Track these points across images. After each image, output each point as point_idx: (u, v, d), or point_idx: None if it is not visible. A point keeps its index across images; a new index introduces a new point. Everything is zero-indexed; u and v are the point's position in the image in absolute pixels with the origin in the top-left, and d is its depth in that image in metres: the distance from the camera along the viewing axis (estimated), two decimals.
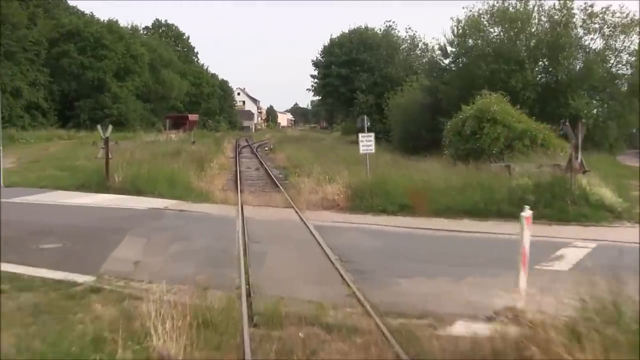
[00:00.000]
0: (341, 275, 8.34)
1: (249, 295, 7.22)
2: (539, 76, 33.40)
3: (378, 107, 50.87)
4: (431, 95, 35.72)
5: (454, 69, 34.97)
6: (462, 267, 9.01)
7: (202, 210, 14.88)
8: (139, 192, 16.81)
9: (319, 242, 10.65)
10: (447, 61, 37.34)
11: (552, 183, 13.93)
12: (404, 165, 21.86)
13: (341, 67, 52.66)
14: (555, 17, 32.80)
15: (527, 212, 6.74)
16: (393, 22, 53.40)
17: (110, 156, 17.84)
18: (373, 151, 18.64)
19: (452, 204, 14.00)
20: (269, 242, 10.84)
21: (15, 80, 48.09)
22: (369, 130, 19.23)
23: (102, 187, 17.31)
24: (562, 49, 31.72)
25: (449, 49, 36.26)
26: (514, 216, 8.17)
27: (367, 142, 17.98)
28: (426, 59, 51.64)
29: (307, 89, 58.58)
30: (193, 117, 75.05)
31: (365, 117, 19.04)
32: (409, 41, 52.57)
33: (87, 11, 63.19)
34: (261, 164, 32.21)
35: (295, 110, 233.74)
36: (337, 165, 20.26)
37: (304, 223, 12.73)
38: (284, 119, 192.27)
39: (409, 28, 70.13)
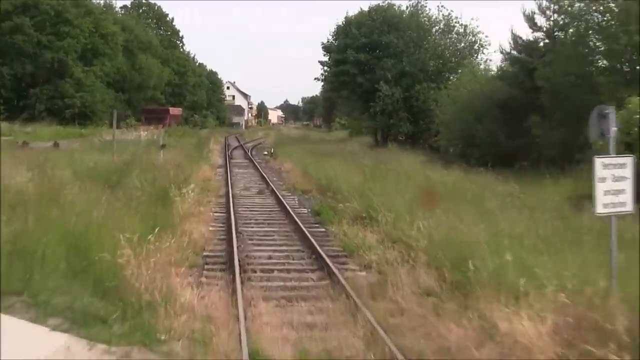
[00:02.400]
0: None
1: None
2: None
3: (406, 103, 40.46)
4: (515, 85, 25.28)
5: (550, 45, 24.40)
6: None
7: None
8: None
9: None
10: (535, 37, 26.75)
11: None
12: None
13: (359, 51, 42.10)
14: None
15: None
16: None
17: None
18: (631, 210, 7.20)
19: None
20: None
21: None
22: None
23: None
24: None
25: (539, 20, 25.77)
26: None
27: (617, 185, 6.66)
28: (464, 43, 41.38)
29: (316, 79, 46.62)
30: (175, 110, 64.26)
31: (612, 116, 7.39)
32: (443, 22, 42.22)
33: None
34: (264, 181, 21.69)
35: (286, 107, 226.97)
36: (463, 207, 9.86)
37: None
38: (274, 116, 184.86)
39: (442, 6, 58.64)
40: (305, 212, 15.03)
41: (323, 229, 12.45)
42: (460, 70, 40.61)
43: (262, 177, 22.93)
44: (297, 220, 12.81)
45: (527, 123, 22.02)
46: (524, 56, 26.21)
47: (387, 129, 41.39)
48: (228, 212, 14.09)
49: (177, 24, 77.10)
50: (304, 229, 11.73)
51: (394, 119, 40.22)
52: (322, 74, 46.17)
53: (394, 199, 11.86)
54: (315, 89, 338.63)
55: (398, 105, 40.25)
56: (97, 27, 52.14)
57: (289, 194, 18.46)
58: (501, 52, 28.81)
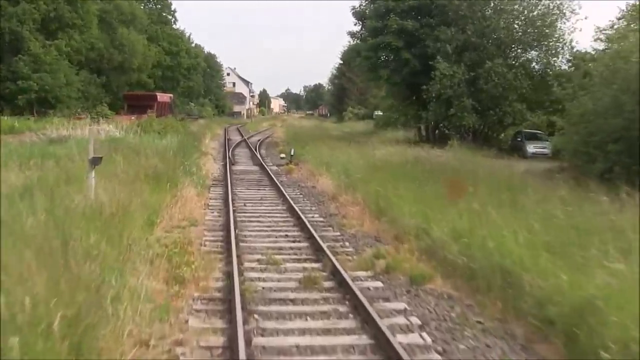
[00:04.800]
0: None
1: None
2: None
3: (470, 87, 29.66)
4: None
5: None
6: None
7: None
8: None
9: None
10: None
11: None
12: None
13: (406, 16, 31.17)
14: None
15: None
16: None
17: None
18: None
19: None
20: None
21: None
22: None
23: None
24: None
25: None
26: None
27: None
28: (541, 8, 30.49)
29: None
30: (164, 97, 53.45)
31: None
32: None
33: None
34: (307, 236, 10.79)
35: (287, 96, 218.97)
36: None
37: None
38: (276, 105, 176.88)
39: None
40: None
41: None
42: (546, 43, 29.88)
43: (298, 220, 12.01)
44: None
45: None
46: None
47: (445, 121, 30.52)
48: None
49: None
50: None
51: (455, 108, 29.38)
52: (353, 48, 34.85)
53: None
54: (317, 77, 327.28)
55: (460, 89, 29.38)
56: None
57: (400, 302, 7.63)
58: None
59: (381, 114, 73.76)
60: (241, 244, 9.66)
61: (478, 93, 29.74)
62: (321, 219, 12.10)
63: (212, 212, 12.56)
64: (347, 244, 9.98)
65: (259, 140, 39.47)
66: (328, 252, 8.79)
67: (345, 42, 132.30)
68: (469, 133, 31.48)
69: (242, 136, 43.25)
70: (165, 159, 14.59)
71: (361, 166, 16.83)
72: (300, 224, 11.25)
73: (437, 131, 34.03)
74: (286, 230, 10.87)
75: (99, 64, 47.01)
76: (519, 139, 30.44)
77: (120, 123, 29.05)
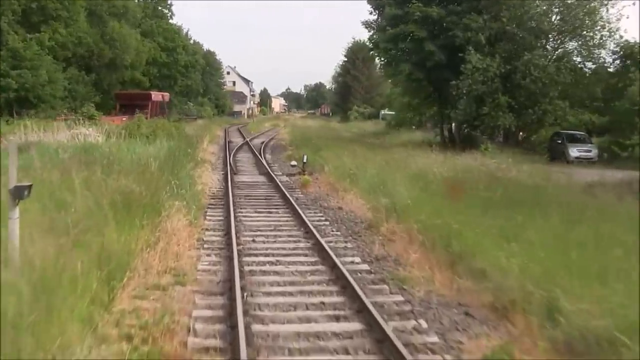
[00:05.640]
0: None
1: None
2: None
3: (505, 82, 25.98)
4: None
5: None
6: None
7: None
8: None
9: None
10: None
11: None
12: None
13: (429, 3, 27.42)
14: None
15: None
16: None
17: None
18: None
19: None
20: None
21: None
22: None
23: None
24: None
25: None
26: None
27: None
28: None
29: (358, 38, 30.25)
30: (159, 96, 49.70)
31: None
32: None
33: None
34: (351, 300, 7.15)
35: (288, 95, 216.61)
36: None
37: None
38: (276, 104, 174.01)
39: None
40: None
41: None
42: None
43: (333, 270, 8.33)
44: None
45: None
46: None
47: (477, 120, 26.71)
48: None
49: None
50: None
51: (489, 106, 25.64)
52: (369, 39, 30.98)
53: None
54: (318, 76, 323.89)
55: (494, 85, 25.65)
56: None
57: None
58: None
59: (388, 112, 70.11)
60: (255, 325, 5.94)
61: (514, 89, 26.02)
62: (366, 267, 8.37)
63: (209, 256, 8.85)
64: (422, 323, 6.22)
65: (262, 142, 35.75)
66: (404, 351, 5.07)
67: (349, 39, 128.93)
68: (500, 134, 27.81)
69: (244, 138, 39.53)
70: (146, 177, 10.84)
71: (400, 181, 13.06)
72: (339, 279, 7.54)
73: (461, 132, 30.32)
74: (321, 295, 7.12)
75: (88, 61, 43.23)
76: (559, 141, 26.61)
77: (105, 126, 25.29)
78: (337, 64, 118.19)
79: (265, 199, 14.55)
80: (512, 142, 28.30)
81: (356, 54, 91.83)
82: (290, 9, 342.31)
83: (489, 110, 25.73)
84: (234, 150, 28.69)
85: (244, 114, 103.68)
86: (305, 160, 20.31)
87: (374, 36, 30.31)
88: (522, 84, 25.57)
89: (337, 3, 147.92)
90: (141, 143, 19.02)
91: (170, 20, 61.60)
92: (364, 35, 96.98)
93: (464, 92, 25.74)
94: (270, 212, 12.67)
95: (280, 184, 16.66)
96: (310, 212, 12.58)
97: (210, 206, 13.10)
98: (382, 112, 74.00)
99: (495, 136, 29.61)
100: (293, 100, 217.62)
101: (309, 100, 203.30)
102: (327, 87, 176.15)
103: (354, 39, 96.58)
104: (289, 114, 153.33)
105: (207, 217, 11.81)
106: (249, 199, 14.38)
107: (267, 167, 21.08)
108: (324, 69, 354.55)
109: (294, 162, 20.88)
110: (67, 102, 38.84)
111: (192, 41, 71.19)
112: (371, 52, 30.83)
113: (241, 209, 12.81)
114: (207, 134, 35.94)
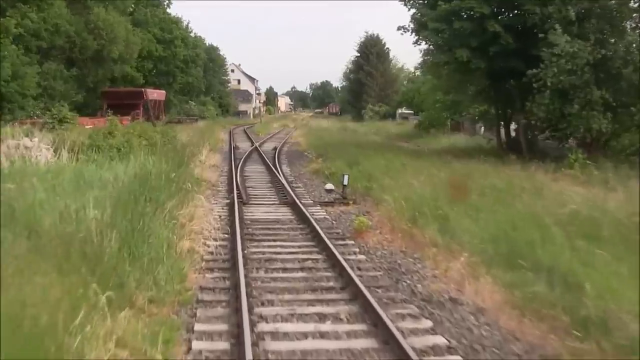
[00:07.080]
0: None
1: None
2: None
3: (597, 72, 19.49)
4: None
5: None
6: None
7: None
8: None
9: None
10: None
11: None
12: None
13: None
14: None
15: None
16: None
17: None
18: None
19: None
20: None
21: None
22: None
23: None
24: None
25: None
26: None
27: None
28: None
29: (402, 28, 24.11)
30: (154, 93, 43.45)
31: None
32: None
33: None
34: None
35: (293, 94, 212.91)
36: None
37: None
38: (282, 103, 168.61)
39: None
40: None
41: None
42: None
43: None
44: None
45: None
46: None
47: (562, 122, 20.18)
48: None
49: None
50: None
51: (579, 103, 19.20)
52: (410, 24, 24.33)
53: None
54: (324, 74, 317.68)
55: (586, 76, 19.18)
56: None
57: None
58: None
59: (406, 111, 63.72)
60: None
61: (610, 80, 19.58)
62: None
63: None
64: None
65: (275, 148, 29.39)
66: None
67: (358, 37, 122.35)
68: (587, 140, 21.33)
69: (252, 143, 33.16)
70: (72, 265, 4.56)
71: (557, 233, 6.67)
72: None
73: (529, 135, 23.89)
74: None
75: (69, 53, 36.97)
76: None
77: (73, 132, 19.00)
78: (348, 60, 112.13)
79: (302, 270, 8.16)
80: (594, 150, 21.80)
81: (370, 48, 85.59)
82: (295, 7, 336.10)
83: (579, 109, 19.27)
84: (241, 161, 22.37)
85: (250, 113, 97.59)
86: (345, 183, 13.97)
87: (417, 15, 23.74)
88: (623, 73, 19.11)
89: (342, 3, 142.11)
90: (105, 161, 12.68)
91: (168, 10, 55.29)
92: (377, 30, 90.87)
93: (549, 84, 19.24)
94: (322, 320, 6.26)
95: (317, 226, 10.33)
96: (399, 308, 6.21)
97: (200, 304, 6.69)
98: (399, 111, 67.92)
99: (565, 142, 23.19)
100: (299, 99, 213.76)
101: (315, 99, 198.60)
102: (335, 85, 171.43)
103: (366, 33, 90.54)
104: (295, 113, 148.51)
105: (195, 332, 5.48)
106: (275, 276, 7.95)
107: (290, 190, 14.65)
108: (330, 67, 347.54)
109: (330, 186, 14.53)
110: (41, 101, 32.64)
111: (192, 34, 64.92)
112: (414, 35, 24.18)
113: (261, 306, 6.46)
114: (209, 139, 29.63)
